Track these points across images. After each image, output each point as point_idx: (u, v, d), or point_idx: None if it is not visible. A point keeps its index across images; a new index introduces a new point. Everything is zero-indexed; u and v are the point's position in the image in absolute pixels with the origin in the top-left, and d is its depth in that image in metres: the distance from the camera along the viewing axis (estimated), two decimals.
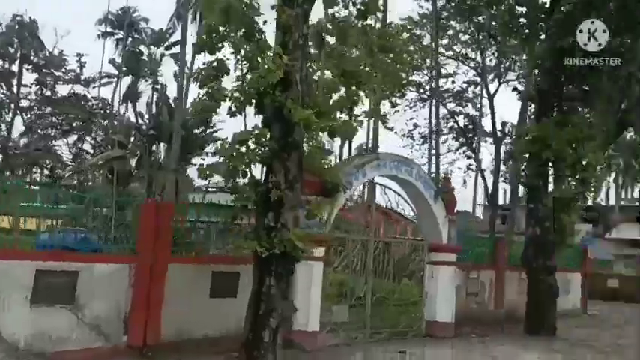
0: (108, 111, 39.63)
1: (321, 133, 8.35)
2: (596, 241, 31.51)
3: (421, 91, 31.32)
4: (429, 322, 12.97)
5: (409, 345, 11.66)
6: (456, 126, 31.96)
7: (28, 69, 39.40)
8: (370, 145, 28.00)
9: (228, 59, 8.00)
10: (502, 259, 15.69)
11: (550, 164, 14.09)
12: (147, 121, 34.00)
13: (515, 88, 27.28)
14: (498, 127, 30.31)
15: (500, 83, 30.15)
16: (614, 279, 26.96)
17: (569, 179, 14.02)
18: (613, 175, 45.44)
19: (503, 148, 30.33)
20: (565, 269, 18.47)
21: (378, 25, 19.83)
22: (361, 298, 12.03)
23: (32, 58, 39.49)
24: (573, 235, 14.50)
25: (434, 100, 30.15)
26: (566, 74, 14.19)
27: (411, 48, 29.43)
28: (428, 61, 30.41)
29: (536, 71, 15.41)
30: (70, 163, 38.83)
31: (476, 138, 31.01)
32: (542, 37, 14.31)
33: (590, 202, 42.33)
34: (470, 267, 14.80)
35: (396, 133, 32.02)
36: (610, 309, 21.33)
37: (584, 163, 13.84)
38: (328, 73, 9.14)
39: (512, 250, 15.85)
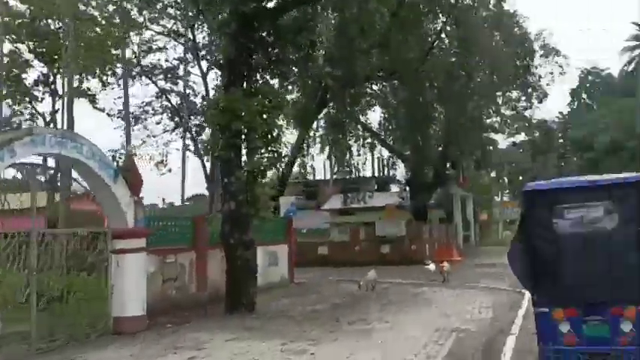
0: None
1: None
2: (309, 213, 33.30)
3: (130, 67, 29.08)
4: (118, 318, 11.43)
5: (88, 349, 10.01)
6: (169, 105, 30.56)
7: None
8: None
9: None
10: (203, 238, 14.91)
11: (243, 136, 13.57)
12: None
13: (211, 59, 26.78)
14: None
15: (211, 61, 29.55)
16: (324, 246, 28.79)
17: (262, 151, 13.69)
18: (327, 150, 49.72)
19: None
20: (271, 242, 18.63)
21: None
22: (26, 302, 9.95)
23: None
24: (268, 208, 14.25)
25: (142, 78, 28.22)
26: (254, 42, 13.77)
27: (117, 20, 27.14)
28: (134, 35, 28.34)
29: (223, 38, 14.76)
30: None
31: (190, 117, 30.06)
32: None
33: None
34: (166, 251, 13.64)
35: (108, 114, 29.35)
36: (318, 275, 22.43)
37: (274, 134, 13.62)
38: None
39: (213, 228, 15.11)
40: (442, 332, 10.05)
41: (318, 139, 31.96)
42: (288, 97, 24.88)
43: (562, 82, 47.79)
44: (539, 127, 52.61)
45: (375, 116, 35.29)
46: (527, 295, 10.58)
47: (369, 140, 34.28)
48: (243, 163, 13.60)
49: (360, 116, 31.85)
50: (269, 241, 18.59)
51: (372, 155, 41.58)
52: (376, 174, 48.65)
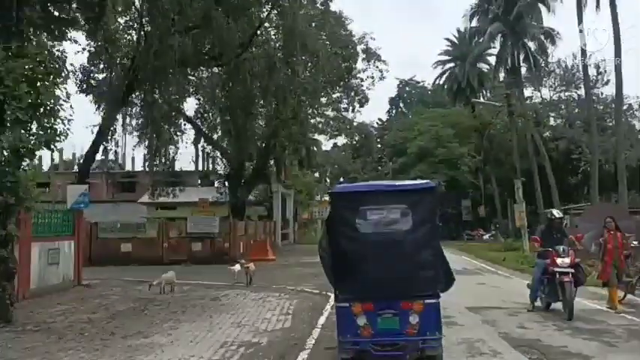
0: None
1: None
2: (122, 206, 30.26)
3: None
4: None
5: None
6: None
7: None
8: None
9: None
10: None
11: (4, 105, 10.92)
12: None
13: None
14: None
15: None
16: (127, 243, 26.09)
17: (30, 126, 11.18)
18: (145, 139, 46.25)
19: None
20: (52, 238, 15.90)
21: None
22: None
23: None
24: (35, 197, 11.71)
25: None
26: None
27: None
28: None
29: None
30: None
31: None
32: None
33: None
34: None
35: None
36: (115, 275, 19.92)
37: (48, 106, 11.18)
38: None
39: None
40: (229, 348, 8.62)
41: (135, 126, 29.16)
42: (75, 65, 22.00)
43: (384, 89, 49.85)
44: (359, 130, 54.46)
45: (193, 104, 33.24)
46: (332, 298, 9.63)
47: (186, 131, 32.21)
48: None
49: (179, 104, 29.61)
50: (50, 237, 15.83)
51: (196, 148, 39.49)
52: (201, 167, 46.62)
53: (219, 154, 36.35)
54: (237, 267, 17.86)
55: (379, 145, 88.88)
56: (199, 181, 52.44)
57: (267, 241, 29.12)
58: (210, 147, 36.14)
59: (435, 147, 50.98)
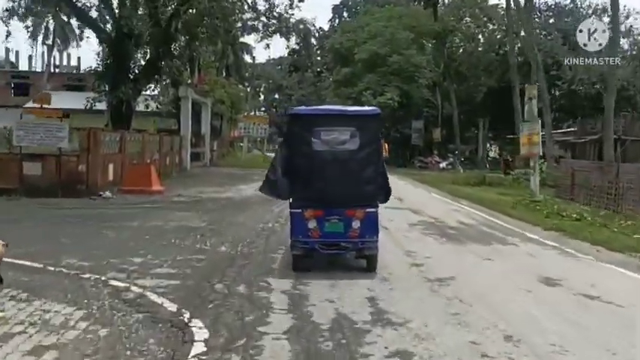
0: None
1: None
2: None
3: None
4: None
5: None
6: None
7: None
8: None
9: None
10: None
11: None
12: None
13: None
14: None
15: None
16: None
17: None
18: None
19: None
20: None
21: None
22: None
23: None
24: None
25: None
26: None
27: None
28: None
29: None
30: None
31: None
32: None
33: None
34: None
35: None
36: None
37: None
38: None
39: None
40: None
41: None
42: None
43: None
44: (297, 28, 44.22)
45: None
46: None
47: None
48: None
49: None
50: None
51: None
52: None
53: (93, 34, 25.81)
54: None
55: (319, 58, 78.75)
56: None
57: (152, 165, 19.43)
58: (80, 21, 25.49)
59: (389, 53, 41.60)
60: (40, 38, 55.76)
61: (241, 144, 51.57)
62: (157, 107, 34.64)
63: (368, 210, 7.80)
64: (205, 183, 23.14)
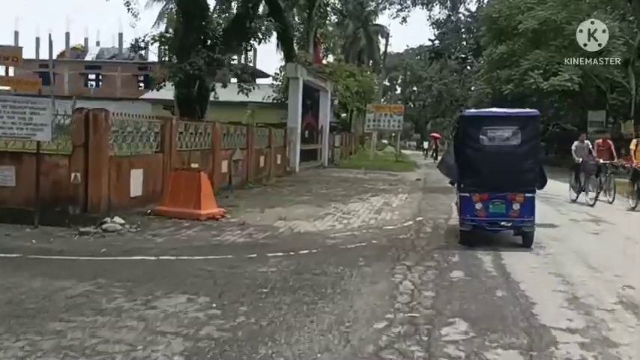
0: None
1: None
2: None
3: None
4: None
5: None
6: None
7: None
8: None
9: None
10: None
11: None
12: None
13: None
14: None
15: None
16: None
17: None
18: None
19: None
20: None
21: None
22: None
23: None
24: None
25: None
26: None
27: None
28: None
29: None
30: None
31: None
32: None
33: None
34: None
35: None
36: None
37: None
38: None
39: None
40: None
41: None
42: None
43: None
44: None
45: None
46: None
47: None
48: None
49: None
50: None
51: None
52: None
53: None
54: None
55: (464, 43, 68.54)
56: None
57: (202, 172, 11.64)
58: None
59: (567, 20, 31.06)
60: None
61: (372, 139, 43.49)
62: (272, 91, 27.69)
63: (527, 195, 9.23)
64: (303, 195, 15.48)
